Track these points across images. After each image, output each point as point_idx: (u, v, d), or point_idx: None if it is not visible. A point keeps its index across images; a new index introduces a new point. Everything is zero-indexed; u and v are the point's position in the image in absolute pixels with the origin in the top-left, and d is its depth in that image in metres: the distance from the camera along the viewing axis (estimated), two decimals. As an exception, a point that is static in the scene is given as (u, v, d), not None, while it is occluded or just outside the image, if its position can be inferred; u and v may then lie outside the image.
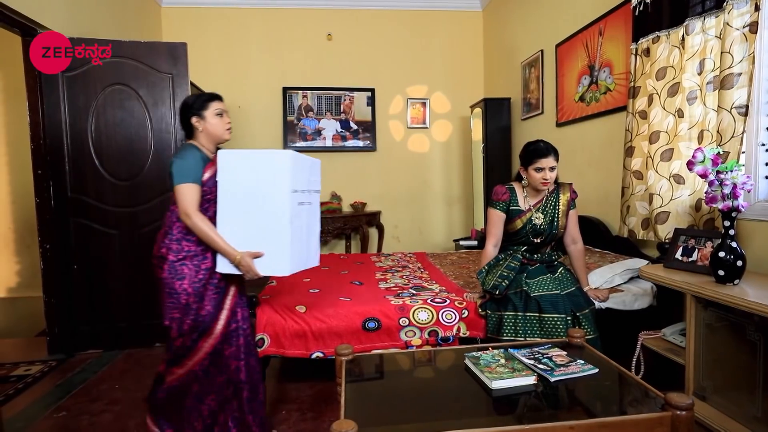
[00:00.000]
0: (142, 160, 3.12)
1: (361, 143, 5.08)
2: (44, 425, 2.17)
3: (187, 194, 1.72)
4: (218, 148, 1.90)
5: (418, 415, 1.40)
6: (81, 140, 3.03)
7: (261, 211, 1.72)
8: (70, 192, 3.02)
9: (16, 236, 4.36)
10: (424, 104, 5.16)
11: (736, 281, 1.69)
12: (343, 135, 5.06)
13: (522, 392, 1.43)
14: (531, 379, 1.45)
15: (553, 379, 1.45)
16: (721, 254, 1.69)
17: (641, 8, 2.49)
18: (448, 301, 2.25)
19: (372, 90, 5.05)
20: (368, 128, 5.09)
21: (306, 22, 4.92)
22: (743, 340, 1.63)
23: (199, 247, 1.78)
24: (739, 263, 1.67)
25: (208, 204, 1.79)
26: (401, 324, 2.16)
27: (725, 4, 1.99)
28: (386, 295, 2.37)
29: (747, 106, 1.93)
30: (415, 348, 2.13)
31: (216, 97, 1.86)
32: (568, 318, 2.03)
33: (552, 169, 2.13)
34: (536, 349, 1.68)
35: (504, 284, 2.10)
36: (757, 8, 1.88)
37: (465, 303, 2.24)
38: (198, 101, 1.83)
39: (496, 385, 1.42)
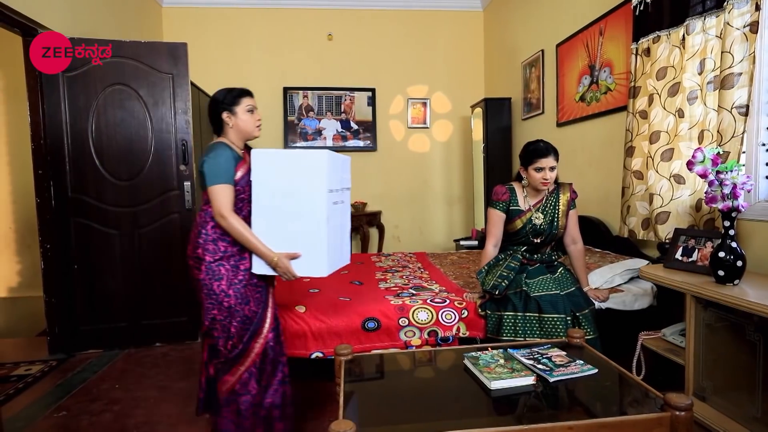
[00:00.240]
0: (142, 160, 3.12)
1: (361, 143, 5.08)
2: (44, 425, 2.17)
3: (222, 195, 1.69)
4: (246, 146, 1.89)
5: (416, 415, 1.40)
6: (81, 140, 3.03)
7: (297, 212, 1.70)
8: (71, 192, 3.02)
9: (17, 236, 4.36)
10: (424, 104, 5.16)
11: (736, 281, 1.68)
12: (344, 135, 5.06)
13: (521, 392, 1.43)
14: (530, 380, 1.45)
15: (552, 380, 1.45)
16: (721, 254, 1.69)
17: (641, 8, 2.48)
18: (448, 301, 2.25)
19: (372, 90, 5.06)
20: (369, 128, 5.09)
21: (306, 22, 4.92)
22: (743, 340, 1.63)
23: (236, 247, 1.75)
24: (739, 263, 1.66)
25: (242, 204, 1.76)
26: (401, 324, 2.15)
27: (726, 3, 1.99)
28: (386, 295, 2.37)
29: (747, 106, 1.92)
30: (414, 348, 2.13)
31: (247, 93, 1.83)
32: (568, 318, 2.03)
33: (552, 169, 2.13)
34: (536, 349, 1.68)
35: (504, 284, 2.09)
36: (757, 8, 1.88)
37: (465, 303, 2.24)
38: (229, 96, 1.80)
39: (495, 385, 1.42)
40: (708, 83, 2.13)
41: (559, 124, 3.64)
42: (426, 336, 2.16)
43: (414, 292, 2.46)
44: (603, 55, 3.08)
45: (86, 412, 2.27)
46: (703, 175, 1.74)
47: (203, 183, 1.72)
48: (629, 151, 2.58)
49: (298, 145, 4.95)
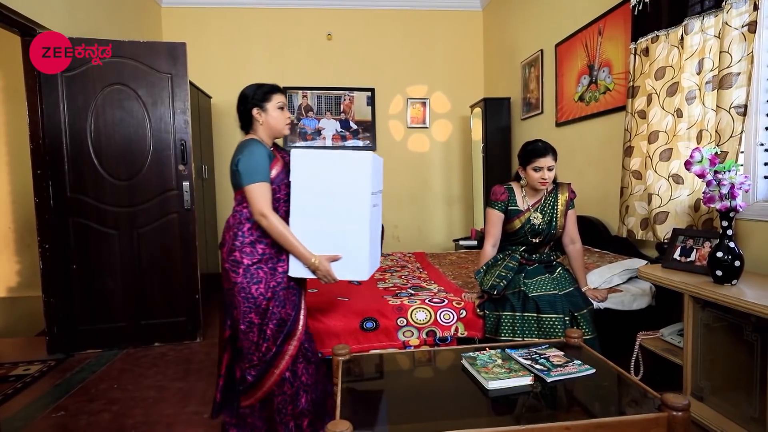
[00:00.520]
0: (141, 160, 3.12)
1: (361, 143, 5.08)
2: (42, 425, 2.17)
3: (260, 194, 1.65)
4: (275, 144, 1.87)
5: (414, 416, 1.40)
6: (80, 140, 3.03)
7: (338, 214, 1.68)
8: (69, 192, 3.02)
9: (17, 236, 4.36)
10: (424, 104, 5.16)
11: (734, 281, 1.68)
12: (343, 135, 5.06)
13: (518, 393, 1.43)
14: (527, 380, 1.45)
15: (549, 380, 1.45)
16: (719, 254, 1.68)
17: (640, 8, 2.48)
18: (446, 301, 2.25)
19: (372, 90, 5.05)
20: (368, 128, 5.08)
21: (306, 22, 4.92)
22: (741, 340, 1.63)
23: (273, 249, 1.72)
24: (737, 263, 1.66)
25: (277, 203, 1.73)
26: (399, 324, 2.15)
27: (724, 3, 1.98)
28: (384, 295, 2.37)
29: (746, 106, 1.92)
30: (412, 348, 2.13)
31: (278, 89, 1.79)
32: (566, 318, 2.03)
33: (550, 168, 2.12)
34: (533, 349, 1.68)
35: (502, 284, 2.09)
36: (755, 8, 1.87)
37: (463, 303, 2.23)
38: (259, 92, 1.77)
39: (493, 385, 1.42)
40: (706, 83, 2.13)
41: (558, 124, 3.64)
42: (424, 336, 2.16)
43: (412, 292, 2.46)
44: (602, 55, 3.08)
45: (84, 412, 2.27)
46: (701, 175, 1.74)
47: (238, 182, 1.68)
48: (628, 151, 2.58)
49: (297, 144, 4.95)
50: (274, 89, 1.78)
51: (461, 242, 4.46)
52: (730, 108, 1.96)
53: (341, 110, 5.04)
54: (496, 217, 2.24)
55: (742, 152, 2.00)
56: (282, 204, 1.74)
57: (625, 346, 2.16)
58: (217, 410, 1.88)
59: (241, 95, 1.80)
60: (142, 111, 3.11)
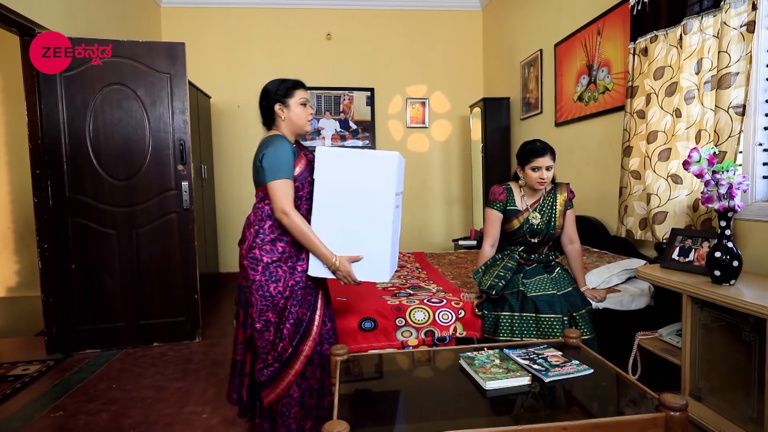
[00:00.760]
0: (139, 159, 3.12)
1: (360, 143, 5.08)
2: (41, 425, 2.17)
3: (283, 191, 1.64)
4: (297, 141, 1.86)
5: (411, 416, 1.40)
6: (79, 140, 3.03)
7: (361, 214, 1.66)
8: (68, 192, 3.02)
9: (16, 236, 4.37)
10: (423, 104, 5.16)
11: (732, 281, 1.68)
12: (343, 135, 5.06)
13: (516, 393, 1.43)
14: (525, 380, 1.45)
15: (547, 380, 1.45)
16: (717, 254, 1.68)
17: (639, 7, 2.48)
18: (445, 301, 2.24)
19: (371, 90, 5.05)
20: (367, 128, 5.08)
21: (305, 22, 4.92)
22: (739, 340, 1.63)
23: (293, 248, 1.71)
24: (735, 263, 1.66)
25: (300, 201, 1.72)
26: (398, 324, 2.15)
27: (723, 3, 1.98)
28: (383, 295, 2.37)
29: (744, 106, 1.92)
30: (411, 348, 2.13)
31: (301, 85, 1.78)
32: (565, 318, 2.03)
33: (549, 168, 2.12)
34: (532, 349, 1.67)
35: (500, 284, 2.09)
36: (754, 7, 1.87)
37: (462, 303, 2.23)
38: (282, 88, 1.75)
39: (490, 385, 1.42)
40: (705, 83, 2.13)
41: (558, 124, 3.64)
42: (423, 336, 2.16)
43: (411, 292, 2.46)
44: (601, 55, 3.07)
45: (83, 412, 2.27)
46: (699, 175, 1.74)
47: (261, 178, 1.67)
48: (627, 151, 2.57)
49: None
50: (297, 85, 1.77)
51: (460, 242, 4.46)
52: (728, 108, 1.95)
53: (341, 110, 5.04)
54: (495, 217, 2.24)
55: (740, 152, 2.00)
56: (304, 202, 1.73)
57: (624, 346, 2.16)
58: (245, 410, 1.90)
59: (263, 91, 1.78)
60: (141, 111, 3.11)
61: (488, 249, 2.26)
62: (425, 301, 2.24)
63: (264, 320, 1.70)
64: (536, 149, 2.12)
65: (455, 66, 5.16)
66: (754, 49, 1.91)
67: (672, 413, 1.22)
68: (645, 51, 2.44)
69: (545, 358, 1.58)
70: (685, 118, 2.22)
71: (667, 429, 1.23)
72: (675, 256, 2.01)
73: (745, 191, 1.78)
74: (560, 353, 1.63)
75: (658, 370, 2.11)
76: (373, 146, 5.07)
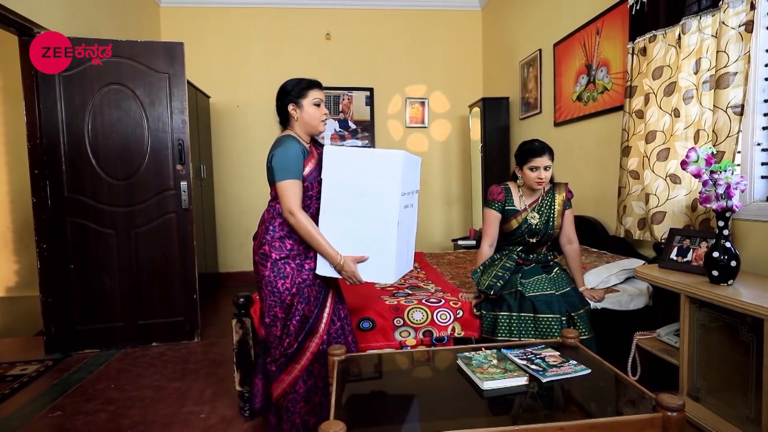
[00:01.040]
0: (138, 159, 3.12)
1: (359, 143, 5.08)
2: (39, 425, 2.17)
3: (291, 191, 1.66)
4: (314, 140, 1.87)
5: (409, 416, 1.40)
6: (77, 140, 3.03)
7: (367, 214, 1.65)
8: (67, 191, 3.02)
9: (15, 236, 4.37)
10: (422, 104, 5.15)
11: (730, 282, 1.68)
12: (342, 134, 5.06)
13: (513, 393, 1.43)
14: (523, 380, 1.45)
15: (544, 380, 1.45)
16: (715, 254, 1.68)
17: (638, 7, 2.48)
18: (443, 301, 2.24)
19: (371, 89, 5.05)
20: (367, 128, 5.08)
21: (305, 22, 4.92)
22: (737, 340, 1.63)
23: (302, 245, 1.73)
24: (733, 263, 1.66)
25: (309, 201, 1.73)
26: (396, 324, 2.15)
27: (721, 3, 1.98)
28: (381, 295, 2.37)
29: (742, 106, 1.92)
30: (409, 348, 2.13)
31: (316, 85, 1.78)
32: (563, 318, 2.02)
33: (547, 168, 2.12)
34: (529, 349, 1.67)
35: (499, 284, 2.09)
36: (752, 7, 1.87)
37: (460, 303, 2.23)
38: (297, 88, 1.76)
39: (488, 385, 1.42)
40: (704, 83, 2.13)
41: (557, 124, 3.64)
42: (421, 336, 2.16)
43: (410, 292, 2.45)
44: (600, 55, 3.07)
45: (81, 411, 2.27)
46: (697, 175, 1.74)
47: (271, 178, 1.70)
48: (625, 151, 2.57)
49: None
50: (311, 85, 1.77)
51: (460, 242, 4.45)
52: (727, 108, 1.95)
53: (340, 110, 5.04)
54: (494, 217, 2.24)
55: (739, 152, 2.00)
56: (314, 201, 1.74)
57: (623, 347, 2.16)
58: (260, 407, 1.97)
59: (279, 90, 1.80)
60: (140, 111, 3.11)
61: (487, 249, 2.26)
62: (423, 301, 2.24)
63: (272, 315, 1.73)
64: (534, 149, 2.12)
65: (454, 66, 5.16)
66: (752, 49, 1.91)
67: (669, 413, 1.21)
68: (644, 51, 2.44)
69: (543, 359, 1.58)
70: (684, 117, 2.22)
71: (664, 429, 1.22)
72: (673, 256, 2.01)
73: (743, 191, 1.77)
74: (558, 353, 1.62)
75: (656, 370, 2.11)
76: (372, 146, 5.07)
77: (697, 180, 1.79)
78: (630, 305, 2.30)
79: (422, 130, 5.19)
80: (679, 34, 2.21)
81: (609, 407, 1.49)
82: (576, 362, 1.54)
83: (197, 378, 2.62)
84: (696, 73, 2.17)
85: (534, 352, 1.65)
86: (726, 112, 1.95)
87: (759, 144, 1.99)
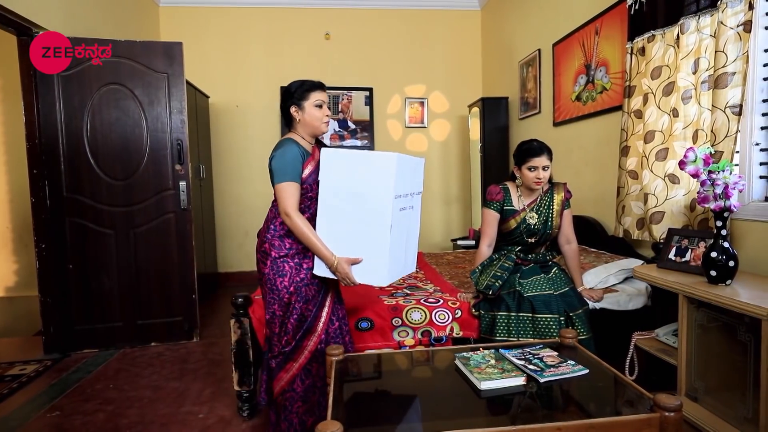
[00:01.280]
0: (137, 159, 3.11)
1: (359, 143, 5.08)
2: (37, 424, 2.17)
3: (287, 193, 1.68)
4: (319, 141, 1.88)
5: (406, 416, 1.40)
6: (76, 140, 3.02)
7: (361, 216, 1.65)
8: (66, 191, 3.02)
9: (14, 235, 4.37)
10: (422, 103, 5.15)
11: (728, 282, 1.68)
12: (341, 134, 5.05)
13: (511, 393, 1.42)
14: (520, 380, 1.45)
15: (542, 380, 1.44)
16: (713, 254, 1.68)
17: (636, 7, 2.48)
18: (442, 301, 2.24)
19: (370, 89, 5.05)
20: (366, 127, 5.08)
21: (304, 21, 4.92)
22: (735, 340, 1.63)
23: (300, 245, 1.75)
24: (731, 264, 1.66)
25: (309, 202, 1.75)
26: (394, 324, 2.15)
27: (719, 2, 1.98)
28: (380, 295, 2.36)
29: (741, 106, 1.92)
30: (408, 348, 2.13)
31: (318, 86, 1.78)
32: (561, 318, 2.02)
33: (545, 168, 2.12)
34: (527, 349, 1.67)
35: (497, 284, 2.09)
36: (751, 7, 1.87)
37: (458, 303, 2.23)
38: (299, 90, 1.76)
39: (485, 385, 1.41)
40: (702, 83, 2.13)
41: (556, 124, 3.63)
42: (419, 336, 2.16)
43: (408, 291, 2.45)
44: (599, 55, 3.07)
45: (79, 411, 2.27)
46: (695, 175, 1.74)
47: (272, 179, 1.73)
48: (624, 151, 2.57)
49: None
50: (313, 87, 1.78)
51: (459, 242, 4.45)
52: (725, 108, 1.95)
53: (339, 110, 5.04)
54: (492, 216, 2.24)
55: (737, 152, 2.00)
56: (314, 203, 1.75)
57: (621, 347, 2.16)
58: (265, 401, 1.96)
59: (282, 92, 1.82)
60: (139, 111, 3.11)
61: (485, 249, 2.26)
62: (422, 301, 2.24)
63: (271, 312, 1.76)
64: (533, 149, 2.12)
65: (454, 66, 5.15)
66: (750, 49, 1.91)
67: (666, 413, 1.21)
68: (642, 51, 2.44)
69: (541, 359, 1.58)
70: (682, 117, 2.22)
71: (661, 429, 1.22)
72: (671, 256, 2.01)
73: (741, 191, 1.77)
74: (556, 353, 1.62)
75: (655, 370, 2.11)
76: (371, 146, 5.07)
77: (696, 180, 1.79)
78: (628, 305, 2.29)
79: (421, 130, 5.19)
80: (678, 34, 2.21)
81: (607, 407, 1.49)
82: (574, 362, 1.54)
83: (196, 378, 2.62)
84: (694, 73, 2.17)
85: (532, 352, 1.64)
86: (724, 112, 1.95)
87: (757, 144, 1.99)
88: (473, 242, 4.32)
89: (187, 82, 3.41)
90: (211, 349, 3.07)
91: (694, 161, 1.73)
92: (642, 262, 2.46)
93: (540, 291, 2.09)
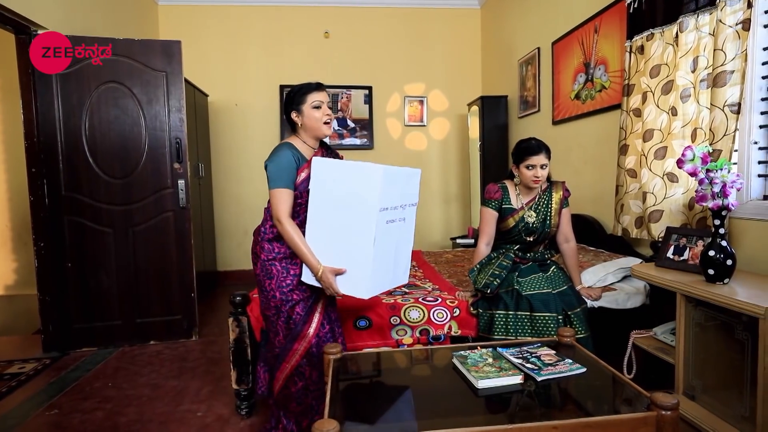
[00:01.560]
0: (135, 158, 3.11)
1: (358, 141, 5.07)
2: (36, 423, 2.17)
3: (279, 200, 1.69)
4: (325, 144, 1.87)
5: (404, 415, 1.40)
6: (75, 138, 3.02)
7: (347, 227, 1.63)
8: (64, 190, 3.02)
9: (14, 234, 4.37)
10: (421, 102, 5.15)
11: (725, 280, 1.68)
12: (341, 133, 5.05)
13: (508, 392, 1.42)
14: (517, 379, 1.45)
15: (539, 379, 1.44)
16: (711, 253, 1.68)
17: (635, 5, 2.47)
18: (440, 299, 2.24)
19: (369, 88, 5.04)
20: (366, 126, 5.08)
21: (303, 20, 4.91)
22: (732, 339, 1.62)
23: (289, 250, 1.75)
24: (729, 262, 1.66)
25: (299, 208, 1.75)
26: (392, 323, 2.15)
27: (718, 1, 1.97)
28: (378, 294, 2.36)
29: (739, 104, 1.92)
30: (406, 347, 2.13)
31: (315, 88, 1.76)
32: (560, 317, 2.02)
33: (543, 166, 2.12)
34: (525, 348, 1.67)
35: (495, 283, 2.09)
36: (749, 5, 1.87)
37: (457, 302, 2.23)
38: (297, 95, 1.75)
39: (482, 384, 1.41)
40: (701, 81, 2.12)
41: (555, 122, 3.63)
42: (418, 334, 2.16)
43: (406, 290, 2.45)
44: (598, 53, 3.07)
45: (78, 410, 2.27)
46: (693, 174, 1.74)
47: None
48: (623, 150, 2.57)
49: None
50: (309, 89, 1.76)
51: (458, 240, 4.45)
52: (723, 106, 1.95)
53: (339, 108, 5.03)
54: (490, 215, 2.24)
55: (735, 150, 2.00)
56: (304, 209, 1.74)
57: (620, 345, 2.16)
58: (267, 392, 2.01)
59: (285, 97, 1.83)
60: (137, 109, 3.10)
61: (483, 247, 2.25)
62: (420, 299, 2.24)
63: (264, 313, 1.81)
64: (531, 147, 2.12)
65: (453, 64, 5.15)
66: (749, 47, 1.91)
67: (663, 412, 1.21)
68: (641, 49, 2.43)
69: (538, 357, 1.58)
70: (681, 116, 2.22)
71: (658, 428, 1.22)
72: (670, 254, 2.01)
73: (739, 190, 1.77)
74: (554, 352, 1.62)
75: (653, 368, 2.11)
76: (371, 144, 5.07)
77: (694, 178, 1.78)
78: (627, 304, 2.29)
79: (421, 128, 5.18)
80: (677, 33, 2.21)
81: (604, 406, 1.49)
82: (571, 361, 1.54)
83: (194, 376, 2.62)
84: (693, 72, 2.16)
85: (529, 350, 1.64)
86: (723, 110, 1.95)
87: (756, 142, 1.99)
88: (472, 241, 4.32)
89: (186, 81, 3.41)
90: (210, 348, 3.07)
91: (692, 160, 1.73)
92: (640, 260, 2.45)
93: (538, 290, 2.09)
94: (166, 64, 3.12)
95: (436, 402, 1.48)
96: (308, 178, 1.73)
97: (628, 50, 2.52)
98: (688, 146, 1.77)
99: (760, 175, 2.00)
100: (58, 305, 3.03)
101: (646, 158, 2.37)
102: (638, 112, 2.46)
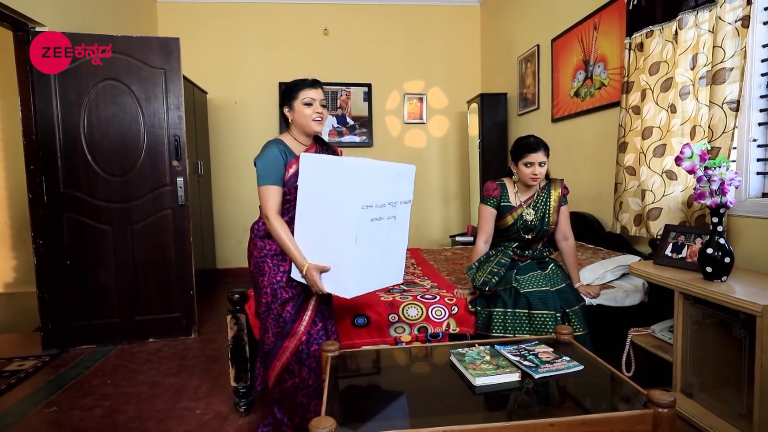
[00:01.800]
0: (134, 155, 3.11)
1: (357, 139, 5.07)
2: (35, 420, 2.18)
3: (267, 197, 1.69)
4: (321, 140, 1.87)
5: (401, 412, 1.40)
6: (73, 136, 3.02)
7: (331, 224, 1.60)
8: (63, 187, 3.02)
9: (13, 231, 4.36)
10: (421, 99, 5.14)
11: (723, 278, 1.68)
12: (340, 130, 5.04)
13: (506, 389, 1.43)
14: (515, 376, 1.45)
15: (537, 376, 1.45)
16: (709, 251, 1.68)
17: (635, 2, 2.46)
18: (438, 297, 2.24)
19: (369, 85, 5.04)
20: (365, 124, 5.07)
21: (302, 17, 4.90)
22: (730, 337, 1.62)
23: (280, 247, 1.76)
24: (727, 260, 1.65)
25: (288, 205, 1.75)
26: (390, 320, 2.15)
27: (718, -2, 1.97)
28: (376, 291, 2.36)
29: (738, 102, 1.91)
30: (404, 344, 2.13)
31: (307, 84, 1.74)
32: (558, 315, 2.02)
33: (542, 164, 2.11)
34: (523, 345, 1.67)
35: (494, 281, 2.09)
36: (749, 2, 1.86)
37: (455, 299, 2.23)
38: (290, 91, 1.75)
39: (480, 381, 1.42)
40: (700, 78, 2.12)
41: (554, 120, 3.63)
42: (416, 332, 2.16)
43: (405, 288, 2.45)
44: (597, 50, 3.06)
45: (77, 407, 2.28)
46: (691, 171, 1.73)
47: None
48: (622, 147, 2.57)
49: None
50: (302, 85, 1.75)
51: (457, 238, 4.45)
52: (723, 103, 1.95)
53: (338, 106, 5.02)
54: (489, 213, 2.24)
55: (734, 148, 2.00)
56: (292, 206, 1.74)
57: (618, 343, 2.16)
58: (261, 385, 2.01)
59: (281, 93, 1.84)
60: (136, 106, 3.10)
61: (482, 245, 2.25)
62: (418, 297, 2.24)
63: (256, 310, 1.84)
64: (529, 145, 2.12)
65: (453, 62, 5.14)
66: (748, 45, 1.90)
67: (660, 410, 1.21)
68: (641, 46, 2.43)
69: (536, 355, 1.58)
70: (680, 113, 2.22)
71: (655, 425, 1.22)
72: (668, 252, 2.01)
73: (737, 187, 1.77)
74: (551, 350, 1.62)
75: (652, 366, 2.11)
76: (370, 142, 5.06)
77: (692, 176, 1.78)
78: (625, 301, 2.29)
79: (420, 125, 5.18)
80: (676, 30, 2.20)
81: (601, 403, 1.49)
82: (569, 359, 1.54)
83: (193, 374, 2.63)
84: (692, 69, 2.16)
85: (527, 348, 1.64)
86: (722, 108, 1.95)
87: (755, 140, 1.99)
88: (472, 238, 4.32)
89: (185, 78, 3.40)
90: (208, 345, 3.07)
91: (691, 157, 1.73)
92: (639, 258, 2.45)
93: (537, 287, 2.09)
94: (164, 62, 3.11)
95: (434, 399, 1.48)
96: (297, 174, 1.72)
97: (628, 47, 2.52)
98: (687, 144, 1.76)
99: (758, 173, 1.99)
100: (58, 303, 3.03)
101: (645, 156, 2.37)
102: (637, 110, 2.45)
